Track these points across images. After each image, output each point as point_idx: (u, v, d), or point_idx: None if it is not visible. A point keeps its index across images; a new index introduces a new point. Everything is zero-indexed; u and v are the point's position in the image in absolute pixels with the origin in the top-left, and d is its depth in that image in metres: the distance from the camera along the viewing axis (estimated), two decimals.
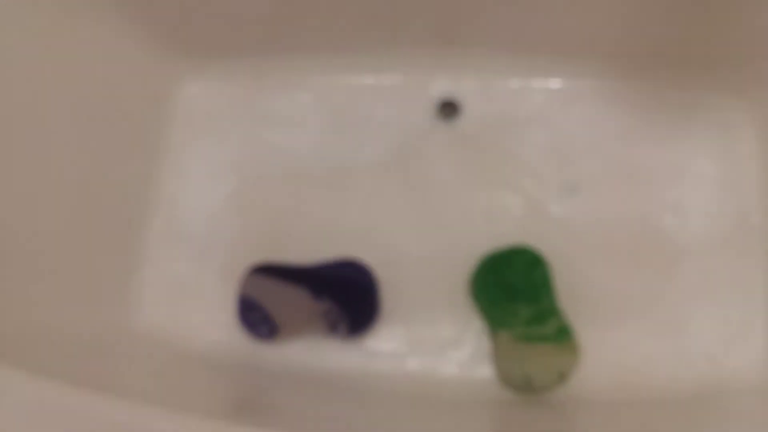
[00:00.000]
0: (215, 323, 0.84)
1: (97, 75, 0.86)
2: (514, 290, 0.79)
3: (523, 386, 0.76)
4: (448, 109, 0.93)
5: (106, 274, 0.84)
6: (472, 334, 0.82)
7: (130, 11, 0.86)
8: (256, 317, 0.81)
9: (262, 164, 0.92)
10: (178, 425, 0.58)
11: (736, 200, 0.85)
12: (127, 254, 0.86)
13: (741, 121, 0.88)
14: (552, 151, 0.90)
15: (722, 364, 0.78)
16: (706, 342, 0.79)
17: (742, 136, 0.87)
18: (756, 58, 0.84)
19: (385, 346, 0.82)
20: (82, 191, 0.82)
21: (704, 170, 0.87)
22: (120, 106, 0.89)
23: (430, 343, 0.82)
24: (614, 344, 0.79)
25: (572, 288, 0.81)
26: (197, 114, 0.94)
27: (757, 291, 0.81)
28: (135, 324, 0.83)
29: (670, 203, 0.86)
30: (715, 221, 0.85)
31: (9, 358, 0.62)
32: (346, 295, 0.81)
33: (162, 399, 0.65)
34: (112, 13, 0.85)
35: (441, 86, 0.93)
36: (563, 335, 0.76)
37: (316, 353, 0.82)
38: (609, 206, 0.87)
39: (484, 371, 0.80)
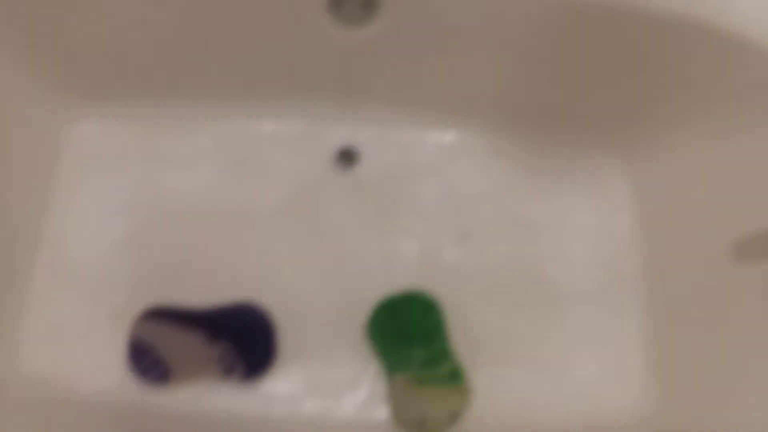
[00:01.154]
0: (104, 368, 0.81)
1: None
2: (409, 334, 0.81)
3: (417, 427, 0.78)
4: (346, 157, 0.95)
5: None
6: (369, 376, 0.83)
7: (22, 50, 0.84)
8: (147, 361, 0.79)
9: (157, 206, 0.91)
10: None
11: (611, 250, 0.92)
12: (10, 297, 0.82)
13: (616, 178, 0.95)
14: (445, 200, 0.94)
15: (601, 402, 0.83)
16: (587, 382, 0.84)
17: (616, 191, 0.95)
18: (632, 120, 0.91)
19: (282, 389, 0.82)
20: None
21: (583, 221, 0.94)
22: (6, 145, 0.86)
23: (328, 385, 0.82)
24: (504, 385, 0.82)
25: (464, 331, 0.84)
26: (90, 154, 0.92)
27: (632, 334, 0.87)
28: (18, 370, 0.79)
29: (553, 252, 0.92)
30: (593, 269, 0.91)
31: None
32: (242, 338, 0.80)
33: None
34: (9, 47, 0.83)
35: (340, 135, 0.96)
36: (455, 377, 0.79)
37: (210, 397, 0.80)
38: (498, 253, 0.91)
39: (381, 413, 0.81)
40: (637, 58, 0.83)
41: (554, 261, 0.91)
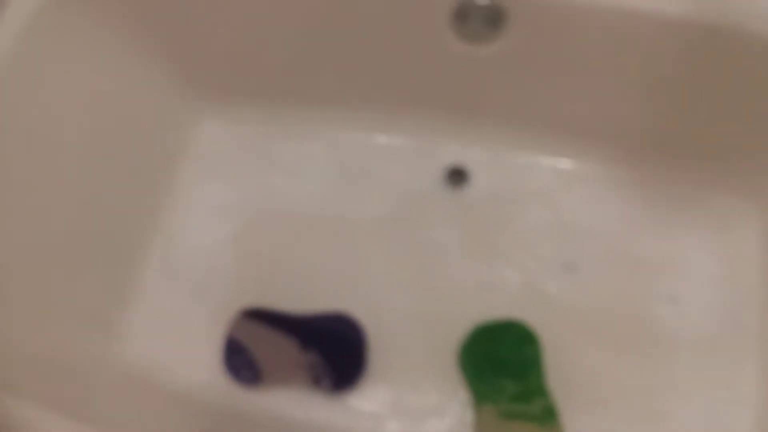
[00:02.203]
0: (200, 362, 0.83)
1: (120, 102, 0.88)
2: (502, 364, 0.79)
3: None
4: (456, 176, 0.94)
5: (98, 302, 0.83)
6: (456, 404, 0.80)
7: (159, 53, 0.88)
8: (240, 361, 0.80)
9: (266, 209, 0.92)
10: None
11: (732, 299, 0.85)
12: (121, 284, 0.86)
13: (745, 222, 0.89)
14: (554, 229, 0.91)
15: None
16: None
17: (744, 236, 0.88)
18: (764, 159, 0.85)
19: (367, 406, 0.81)
20: (85, 216, 0.82)
21: (703, 266, 0.88)
22: (137, 138, 0.90)
23: (413, 408, 0.81)
24: (596, 430, 0.78)
25: (561, 368, 0.80)
26: (210, 154, 0.95)
27: (744, 394, 0.80)
28: (120, 354, 0.83)
29: (666, 294, 0.86)
30: (709, 318, 0.85)
31: None
32: (333, 350, 0.80)
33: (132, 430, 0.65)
34: (142, 51, 0.87)
35: (451, 153, 0.94)
36: (548, 416, 0.75)
37: (296, 405, 0.80)
38: (605, 290, 0.87)
39: None
40: None
41: (667, 305, 0.85)
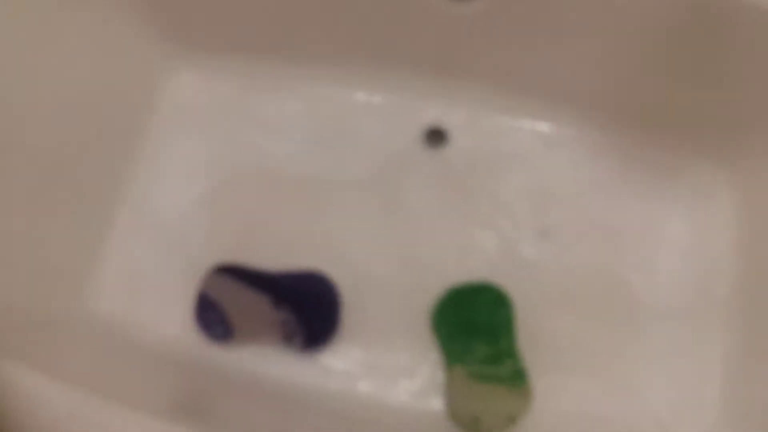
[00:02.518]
0: (171, 318, 0.82)
1: (92, 50, 0.85)
2: (474, 327, 0.79)
3: (471, 424, 0.76)
4: (436, 136, 0.93)
5: (69, 259, 0.82)
6: (428, 365, 0.81)
7: None
8: (212, 317, 0.80)
9: (241, 165, 0.91)
10: (111, 415, 0.57)
11: (704, 268, 0.86)
12: (91, 239, 0.85)
13: (719, 190, 0.89)
14: (530, 193, 0.90)
15: (670, 430, 0.78)
16: (657, 406, 0.79)
17: (718, 205, 0.88)
18: (741, 129, 0.85)
19: (339, 365, 0.81)
20: (54, 171, 0.80)
21: (677, 233, 0.88)
22: (109, 90, 0.87)
23: (385, 368, 0.81)
24: (567, 395, 0.79)
25: (533, 332, 0.81)
26: (183, 106, 0.93)
27: (712, 362, 0.81)
28: (90, 309, 0.82)
29: (640, 262, 0.87)
30: (681, 286, 0.86)
31: None
32: (306, 308, 0.80)
33: (103, 387, 0.64)
34: None
35: (432, 113, 0.93)
36: (518, 379, 0.76)
37: (267, 362, 0.80)
38: (579, 256, 0.87)
39: (435, 404, 0.79)
40: (759, 61, 0.77)
41: (639, 272, 0.86)
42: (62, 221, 0.81)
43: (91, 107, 0.85)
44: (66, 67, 0.82)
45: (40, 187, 0.79)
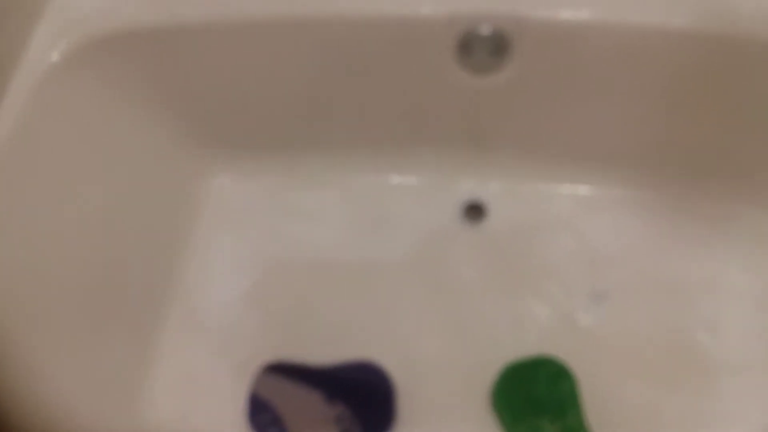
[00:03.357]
0: (224, 421, 0.80)
1: (131, 163, 0.87)
2: (538, 404, 0.75)
3: None
4: (474, 211, 0.92)
5: (121, 365, 0.81)
6: None
7: (164, 108, 0.88)
8: (266, 418, 0.78)
9: (284, 259, 0.91)
10: None
11: None
12: (143, 344, 0.84)
13: None
14: (579, 258, 0.88)
15: None
16: None
17: None
18: None
19: None
20: (103, 279, 0.81)
21: (739, 285, 0.84)
22: (150, 198, 0.89)
23: None
24: None
25: (600, 404, 0.77)
26: (225, 206, 0.94)
27: None
28: (143, 414, 0.80)
29: (703, 319, 0.83)
30: (750, 338, 0.81)
31: None
32: (361, 401, 0.77)
33: None
34: (152, 110, 0.87)
35: (467, 188, 0.93)
36: None
37: None
38: (639, 318, 0.84)
39: None
40: None
41: (705, 329, 0.82)
42: (113, 328, 0.81)
43: (135, 216, 0.86)
44: (108, 177, 0.84)
45: (92, 296, 0.79)
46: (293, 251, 0.91)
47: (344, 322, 0.86)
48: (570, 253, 0.88)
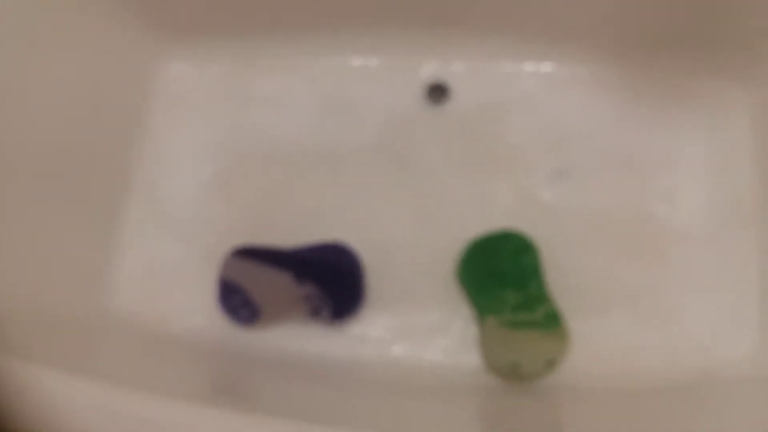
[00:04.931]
0: (195, 307, 0.81)
1: (81, 52, 0.83)
2: (502, 276, 0.77)
3: (510, 373, 0.75)
4: (437, 92, 0.91)
5: (85, 256, 0.81)
6: (460, 320, 0.80)
7: None
8: (237, 301, 0.79)
9: (247, 146, 0.90)
10: (156, 408, 0.56)
11: (729, 188, 0.84)
12: (106, 236, 0.84)
13: (735, 107, 0.86)
14: (542, 136, 0.88)
15: (712, 353, 0.77)
16: (697, 331, 0.78)
17: (736, 122, 0.86)
18: (752, 42, 0.82)
19: (370, 332, 0.80)
20: (58, 173, 0.79)
21: (697, 157, 0.86)
22: (103, 85, 0.86)
23: (417, 329, 0.80)
24: (603, 332, 0.78)
25: (562, 274, 0.79)
26: (182, 94, 0.92)
27: (748, 280, 0.79)
28: (113, 306, 0.81)
29: (662, 191, 0.85)
30: (707, 209, 0.84)
31: None
32: (330, 280, 0.79)
33: (139, 382, 0.64)
34: None
35: (430, 69, 0.91)
36: (552, 322, 0.74)
37: (298, 339, 0.79)
38: (599, 193, 0.85)
39: (472, 358, 0.78)
40: None
41: (663, 200, 0.84)
42: (74, 220, 0.80)
43: (88, 104, 0.84)
44: (57, 66, 0.80)
45: (48, 188, 0.78)
46: (255, 138, 0.90)
47: (311, 207, 0.86)
48: (533, 132, 0.88)
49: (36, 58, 0.78)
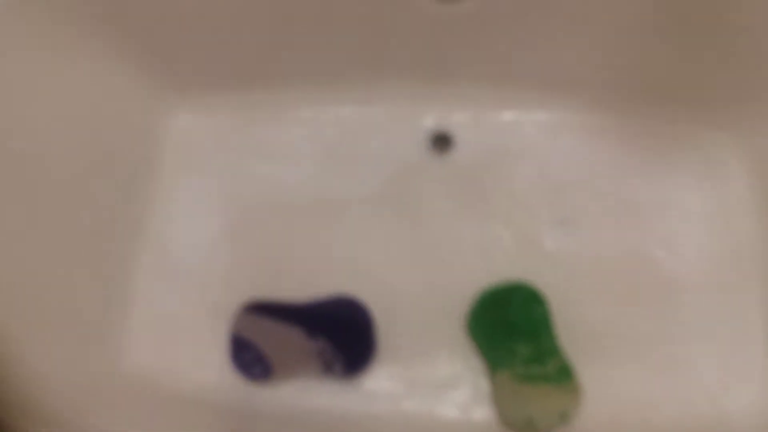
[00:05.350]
0: (206, 363, 0.81)
1: (87, 103, 0.84)
2: (513, 328, 0.78)
3: (525, 427, 0.75)
4: (441, 141, 0.92)
5: (93, 315, 0.80)
6: (470, 373, 0.80)
7: (121, 46, 0.84)
8: (249, 357, 0.79)
9: (254, 197, 0.90)
10: None
11: (728, 235, 0.86)
12: (114, 293, 0.83)
13: (731, 156, 0.89)
14: (544, 183, 0.90)
15: (723, 402, 0.78)
16: (706, 380, 0.79)
17: (732, 171, 0.88)
18: (747, 93, 0.84)
19: (382, 387, 0.80)
20: (68, 229, 0.79)
21: (695, 205, 0.88)
22: (109, 138, 0.86)
23: (428, 383, 0.80)
24: (614, 383, 0.78)
25: (571, 325, 0.80)
26: (187, 147, 0.92)
27: (754, 328, 0.81)
28: (124, 365, 0.80)
29: (663, 238, 0.86)
30: (708, 256, 0.85)
31: None
32: (341, 334, 0.79)
33: None
34: (106, 47, 0.83)
35: (433, 119, 0.93)
36: (564, 375, 0.75)
37: (310, 394, 0.79)
38: (602, 240, 0.87)
39: (485, 412, 0.78)
40: (759, 21, 0.76)
41: (665, 248, 0.86)
42: (84, 281, 0.80)
43: (98, 155, 0.84)
44: (67, 119, 0.81)
45: (59, 248, 0.78)
46: (261, 190, 0.90)
47: (318, 259, 0.86)
48: (535, 180, 0.90)
49: (46, 110, 0.79)
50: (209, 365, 0.81)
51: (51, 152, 0.78)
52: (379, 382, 0.80)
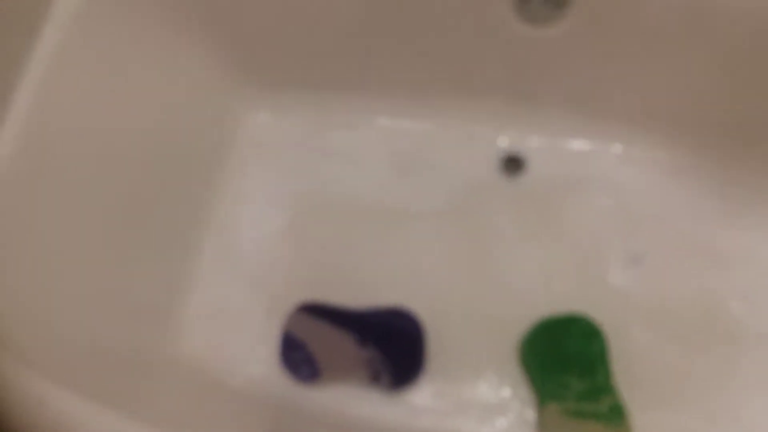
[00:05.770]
0: (256, 357, 0.82)
1: (169, 94, 0.86)
2: (567, 361, 0.76)
3: None
4: (513, 164, 0.91)
5: (154, 297, 0.82)
6: (518, 401, 0.78)
7: (210, 42, 0.86)
8: (298, 357, 0.79)
9: (320, 198, 0.91)
10: None
11: None
12: (177, 278, 0.85)
13: None
14: (614, 217, 0.87)
15: None
16: None
17: None
18: None
19: (427, 403, 0.79)
20: (138, 210, 0.81)
21: None
22: (188, 130, 0.89)
23: (473, 405, 0.79)
24: (667, 427, 0.75)
25: (627, 363, 0.77)
26: (261, 144, 0.94)
27: None
28: (176, 348, 0.82)
29: (738, 288, 0.83)
30: None
31: (48, 372, 0.61)
32: (392, 346, 0.78)
33: (192, 428, 0.64)
34: (197, 43, 0.85)
35: (508, 140, 0.92)
36: (616, 415, 0.72)
37: (354, 402, 0.79)
38: (672, 282, 0.84)
39: None
40: None
41: (739, 298, 0.82)
42: (148, 260, 0.81)
43: (172, 147, 0.86)
44: (144, 108, 0.83)
45: (127, 226, 0.79)
46: (330, 192, 0.91)
47: (378, 267, 0.86)
48: (606, 212, 0.88)
49: (142, 96, 0.82)
50: (258, 359, 0.81)
51: (136, 138, 0.81)
52: (424, 398, 0.79)
